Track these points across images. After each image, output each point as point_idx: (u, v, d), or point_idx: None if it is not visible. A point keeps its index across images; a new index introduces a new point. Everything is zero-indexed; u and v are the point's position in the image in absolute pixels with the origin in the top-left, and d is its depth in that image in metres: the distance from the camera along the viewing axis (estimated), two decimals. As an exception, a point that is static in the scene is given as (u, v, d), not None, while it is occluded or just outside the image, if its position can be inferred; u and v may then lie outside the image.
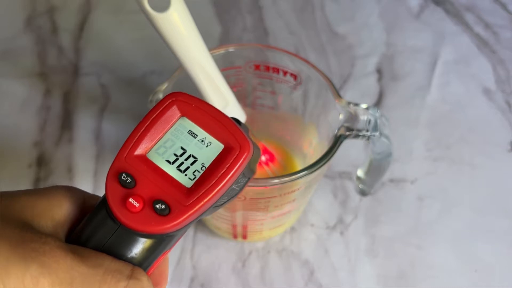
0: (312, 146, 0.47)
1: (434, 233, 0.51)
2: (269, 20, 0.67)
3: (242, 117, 0.43)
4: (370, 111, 0.41)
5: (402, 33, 0.67)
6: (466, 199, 0.53)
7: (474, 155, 0.56)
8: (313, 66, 0.43)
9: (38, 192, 0.29)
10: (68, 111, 0.58)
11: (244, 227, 0.46)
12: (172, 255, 0.48)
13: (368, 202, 0.52)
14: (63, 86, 0.60)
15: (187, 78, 0.39)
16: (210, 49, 0.39)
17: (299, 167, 0.50)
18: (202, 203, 0.27)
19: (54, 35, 0.65)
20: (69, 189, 0.29)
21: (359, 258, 0.49)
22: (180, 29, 0.35)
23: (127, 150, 0.28)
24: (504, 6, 0.70)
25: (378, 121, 0.41)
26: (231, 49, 0.44)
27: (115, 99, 0.59)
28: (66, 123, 0.57)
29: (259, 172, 0.48)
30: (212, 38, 0.65)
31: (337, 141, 0.40)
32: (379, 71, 0.63)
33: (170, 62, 0.39)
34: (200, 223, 0.50)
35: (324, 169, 0.40)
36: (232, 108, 0.41)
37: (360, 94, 0.61)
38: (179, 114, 0.29)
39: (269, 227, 0.47)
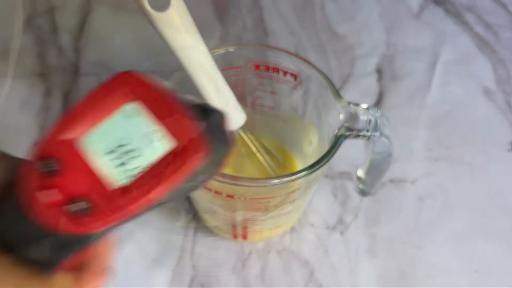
0: (312, 146, 0.47)
1: (434, 233, 0.51)
2: (269, 20, 0.67)
3: (242, 117, 0.42)
4: (370, 111, 0.41)
5: (402, 33, 0.67)
6: (466, 199, 0.53)
7: (474, 155, 0.56)
8: (313, 66, 0.43)
9: None
10: (68, 111, 0.58)
11: (244, 227, 0.46)
12: (172, 255, 0.48)
13: (368, 202, 0.52)
14: (63, 86, 0.60)
15: (187, 78, 0.38)
16: (210, 49, 0.39)
17: (299, 167, 0.50)
18: (134, 206, 0.22)
19: (54, 35, 0.65)
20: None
21: (359, 258, 0.49)
22: (180, 29, 0.35)
23: (55, 131, 0.23)
24: (504, 6, 0.70)
25: (378, 121, 0.41)
26: (231, 49, 0.44)
27: (115, 99, 0.59)
28: (66, 123, 0.57)
29: (258, 170, 0.48)
30: (212, 38, 0.65)
31: (337, 141, 0.40)
32: (379, 71, 0.63)
33: (170, 62, 0.39)
34: (200, 223, 0.50)
35: (324, 169, 0.40)
36: (232, 108, 0.41)
37: (360, 94, 0.60)
38: (129, 98, 0.23)
39: (269, 227, 0.47)
